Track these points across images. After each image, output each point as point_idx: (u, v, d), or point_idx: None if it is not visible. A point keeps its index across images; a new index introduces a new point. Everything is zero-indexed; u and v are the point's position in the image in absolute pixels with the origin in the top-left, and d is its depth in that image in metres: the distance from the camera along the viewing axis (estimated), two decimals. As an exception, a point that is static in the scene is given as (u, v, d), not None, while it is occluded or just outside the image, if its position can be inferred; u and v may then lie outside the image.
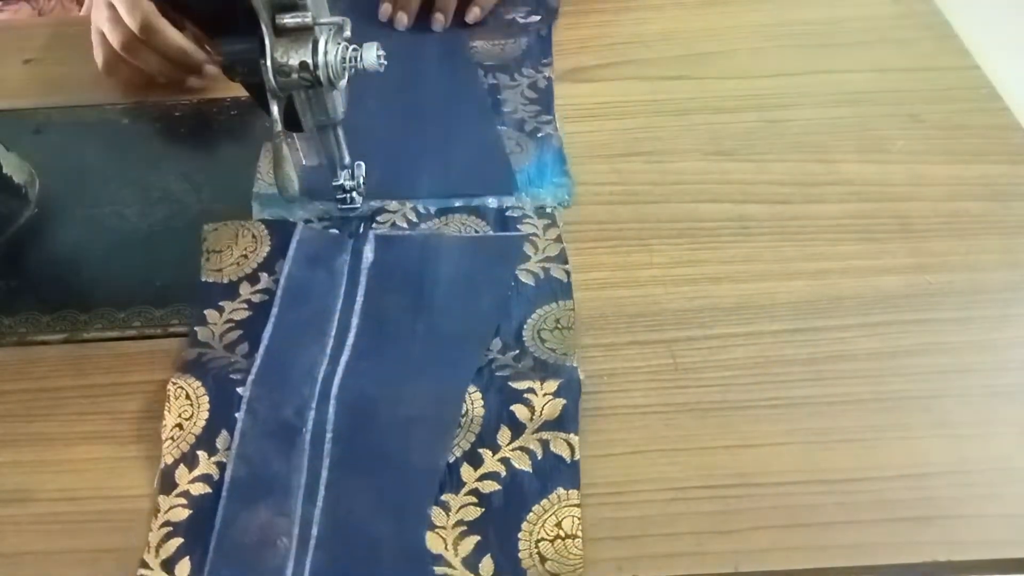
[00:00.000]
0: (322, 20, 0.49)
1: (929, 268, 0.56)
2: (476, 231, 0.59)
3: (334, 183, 0.59)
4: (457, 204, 0.61)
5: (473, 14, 0.76)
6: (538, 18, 0.77)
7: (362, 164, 0.60)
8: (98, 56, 0.70)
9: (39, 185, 0.64)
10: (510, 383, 0.49)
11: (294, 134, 0.54)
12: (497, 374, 0.50)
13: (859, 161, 0.63)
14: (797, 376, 0.51)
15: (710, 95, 0.69)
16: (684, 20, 0.77)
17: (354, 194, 0.60)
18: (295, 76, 0.49)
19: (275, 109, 0.49)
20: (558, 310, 0.54)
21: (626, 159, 0.64)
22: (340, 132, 0.56)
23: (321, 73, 0.49)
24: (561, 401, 0.48)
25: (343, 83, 0.52)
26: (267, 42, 0.48)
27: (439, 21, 0.75)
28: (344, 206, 0.60)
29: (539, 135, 0.66)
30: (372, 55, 0.51)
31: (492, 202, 0.61)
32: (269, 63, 0.48)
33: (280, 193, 0.52)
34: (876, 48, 0.73)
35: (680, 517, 0.45)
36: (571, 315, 0.54)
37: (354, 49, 0.51)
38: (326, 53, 0.49)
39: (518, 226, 0.59)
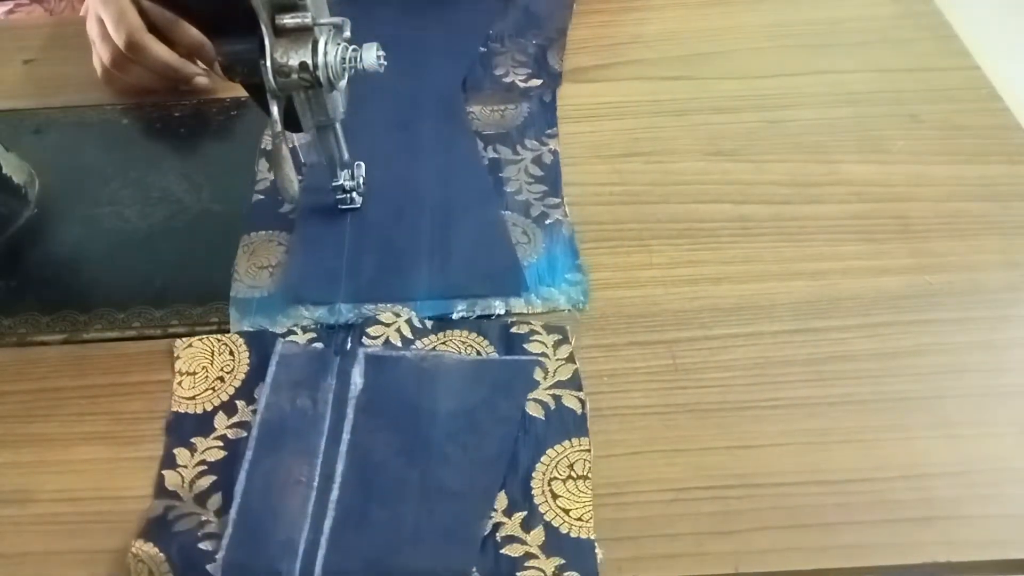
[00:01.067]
0: (322, 20, 0.49)
1: (929, 268, 0.56)
2: (479, 352, 0.52)
3: (334, 183, 0.59)
4: (458, 312, 0.54)
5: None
6: (540, 82, 0.70)
7: (362, 164, 0.60)
8: (96, 65, 0.70)
9: (39, 185, 0.64)
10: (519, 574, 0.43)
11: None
12: (503, 552, 0.44)
13: (859, 161, 0.63)
14: (797, 377, 0.51)
15: (710, 95, 0.69)
16: (684, 20, 0.77)
17: (354, 194, 0.60)
18: (295, 76, 0.49)
19: (275, 109, 0.49)
20: (571, 451, 0.47)
21: (626, 159, 0.64)
22: (340, 132, 0.56)
23: (321, 73, 0.49)
24: None
25: (343, 83, 0.52)
26: (267, 42, 0.48)
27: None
28: (344, 206, 0.60)
29: (547, 221, 0.59)
30: (372, 55, 0.51)
31: (499, 306, 0.54)
32: (269, 63, 0.48)
33: (280, 195, 0.52)
34: (876, 48, 0.73)
35: (680, 518, 0.45)
36: (587, 460, 0.47)
37: (354, 50, 0.50)
38: (326, 54, 0.49)
39: (525, 345, 0.52)
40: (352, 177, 0.59)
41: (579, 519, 0.45)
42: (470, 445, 0.47)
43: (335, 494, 0.46)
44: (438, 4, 0.77)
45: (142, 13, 0.67)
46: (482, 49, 0.73)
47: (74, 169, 0.65)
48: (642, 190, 0.62)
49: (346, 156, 0.58)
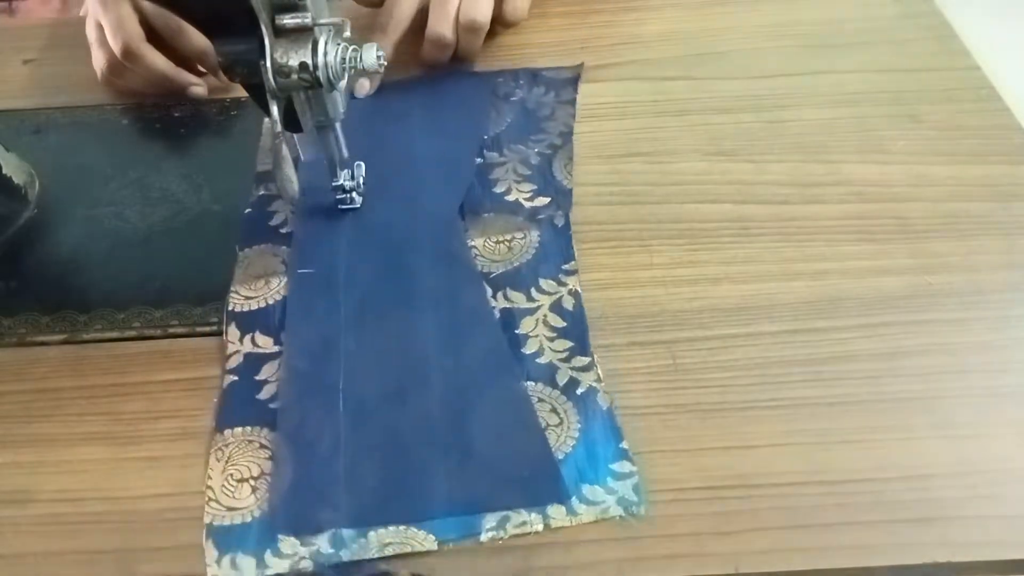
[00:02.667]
0: (322, 21, 0.49)
1: (929, 269, 0.56)
2: None
3: (334, 183, 0.59)
4: (487, 533, 0.44)
5: (361, 88, 0.68)
6: (548, 200, 0.60)
7: (362, 164, 0.60)
8: (95, 68, 0.70)
9: (39, 186, 0.64)
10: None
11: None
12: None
13: (859, 161, 0.63)
14: (797, 377, 0.51)
15: (710, 95, 0.69)
16: (684, 20, 0.77)
17: (354, 194, 0.60)
18: (295, 77, 0.49)
19: (275, 110, 0.49)
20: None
21: (626, 159, 0.64)
22: (340, 132, 0.56)
23: (321, 74, 0.49)
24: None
25: (343, 84, 0.52)
26: (267, 43, 0.48)
27: (363, 88, 0.68)
28: (344, 206, 0.60)
29: (579, 391, 0.49)
30: (372, 56, 0.51)
31: (536, 521, 0.44)
32: (269, 64, 0.48)
33: (280, 195, 0.52)
34: (876, 48, 0.73)
35: (679, 518, 0.45)
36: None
37: (354, 50, 0.51)
38: (326, 54, 0.49)
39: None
40: (352, 177, 0.59)
41: None
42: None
43: None
44: (426, 107, 0.67)
45: (144, 20, 0.67)
46: (478, 160, 0.63)
47: (74, 169, 0.65)
48: (642, 190, 0.62)
49: (346, 155, 0.58)
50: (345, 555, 0.43)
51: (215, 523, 0.44)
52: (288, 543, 0.43)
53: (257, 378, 0.50)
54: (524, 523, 0.44)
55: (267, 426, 0.48)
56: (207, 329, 0.54)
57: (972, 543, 0.44)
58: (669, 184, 0.62)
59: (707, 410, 0.50)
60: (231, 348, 0.52)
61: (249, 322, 0.53)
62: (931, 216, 0.59)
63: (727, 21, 0.76)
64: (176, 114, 0.69)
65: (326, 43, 0.49)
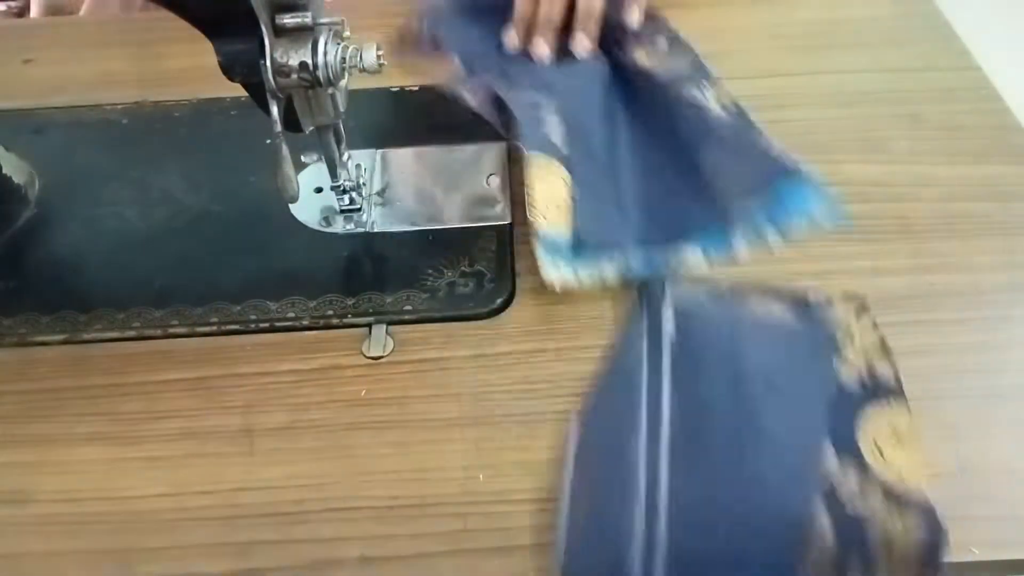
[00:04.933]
0: (322, 20, 0.49)
1: (929, 269, 0.56)
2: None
3: (333, 184, 0.59)
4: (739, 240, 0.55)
5: (632, 16, 0.67)
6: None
7: (362, 164, 0.60)
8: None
9: (39, 185, 0.64)
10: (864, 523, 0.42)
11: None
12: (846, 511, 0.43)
13: (859, 161, 0.63)
14: (797, 377, 0.51)
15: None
16: (684, 20, 0.77)
17: (354, 194, 0.60)
18: (295, 76, 0.49)
19: (275, 109, 0.49)
20: (892, 414, 0.47)
21: (626, 159, 0.64)
22: (340, 132, 0.56)
23: (321, 73, 0.49)
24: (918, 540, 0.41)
25: (343, 83, 0.52)
26: (266, 42, 0.48)
27: (583, 45, 0.66)
28: (345, 206, 0.60)
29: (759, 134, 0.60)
30: (372, 56, 0.51)
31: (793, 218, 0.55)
32: (268, 63, 0.48)
33: (280, 195, 0.52)
34: (876, 48, 0.73)
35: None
36: (909, 422, 0.46)
37: (354, 50, 0.50)
38: (325, 53, 0.49)
39: (821, 314, 0.52)
40: (352, 177, 0.59)
41: (913, 480, 0.43)
42: (788, 395, 0.47)
43: (665, 438, 0.46)
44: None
45: None
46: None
47: (74, 169, 0.65)
48: (642, 190, 0.62)
49: (346, 156, 0.58)
50: (642, 269, 0.54)
51: (545, 236, 0.54)
52: (601, 258, 0.55)
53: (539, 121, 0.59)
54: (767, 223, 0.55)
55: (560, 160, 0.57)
56: (207, 329, 0.54)
57: (972, 543, 0.44)
58: (669, 184, 0.62)
59: (707, 410, 0.50)
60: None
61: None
62: (931, 216, 0.59)
63: (727, 21, 0.76)
64: (176, 114, 0.69)
65: (326, 43, 0.49)
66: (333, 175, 0.58)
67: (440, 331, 0.54)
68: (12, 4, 0.88)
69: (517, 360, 0.52)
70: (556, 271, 0.54)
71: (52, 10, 0.85)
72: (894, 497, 0.43)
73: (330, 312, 0.55)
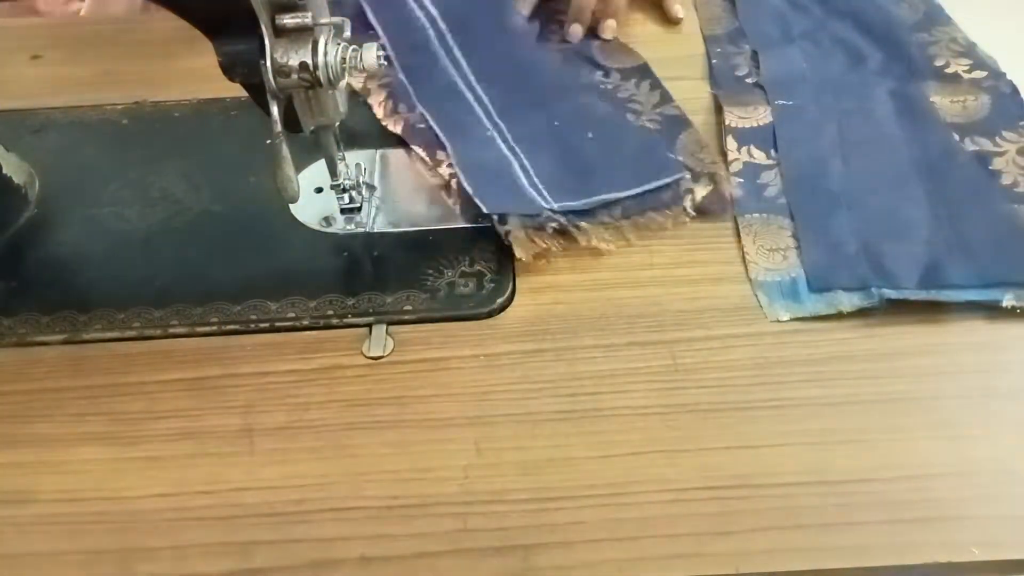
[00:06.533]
0: (322, 20, 0.49)
1: (929, 269, 0.56)
2: None
3: (333, 183, 0.59)
4: (1008, 301, 0.53)
5: (609, 28, 0.73)
6: (984, 74, 0.68)
7: (362, 164, 0.60)
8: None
9: (39, 185, 0.64)
10: None
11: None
12: None
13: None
14: (797, 377, 0.51)
15: (710, 96, 0.69)
16: (685, 20, 0.77)
17: (353, 193, 0.60)
18: (295, 77, 0.49)
19: (275, 110, 0.49)
20: None
21: (626, 159, 0.64)
22: (340, 132, 0.56)
23: (321, 73, 0.49)
24: None
25: (343, 83, 0.52)
26: (267, 42, 0.48)
27: (575, 33, 0.73)
28: (345, 206, 0.60)
29: None
30: (372, 56, 0.51)
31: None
32: (269, 63, 0.48)
33: (281, 194, 0.52)
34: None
35: (680, 518, 0.45)
36: None
37: (354, 50, 0.50)
38: (326, 54, 0.49)
39: None
40: (352, 177, 0.59)
41: None
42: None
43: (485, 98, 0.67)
44: None
45: None
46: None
47: (74, 169, 0.65)
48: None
49: (346, 156, 0.58)
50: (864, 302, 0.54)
51: (758, 279, 0.56)
52: (832, 297, 0.55)
53: (759, 182, 0.62)
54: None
55: (779, 214, 0.60)
56: (207, 329, 0.54)
57: (972, 543, 0.44)
58: (669, 184, 0.62)
59: (707, 410, 0.50)
60: (731, 156, 0.63)
61: (745, 137, 0.65)
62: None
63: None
64: (176, 114, 0.69)
65: (326, 43, 0.49)
66: (333, 175, 0.58)
67: (440, 331, 0.54)
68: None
69: (517, 360, 0.52)
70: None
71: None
72: None
73: (330, 312, 0.55)
